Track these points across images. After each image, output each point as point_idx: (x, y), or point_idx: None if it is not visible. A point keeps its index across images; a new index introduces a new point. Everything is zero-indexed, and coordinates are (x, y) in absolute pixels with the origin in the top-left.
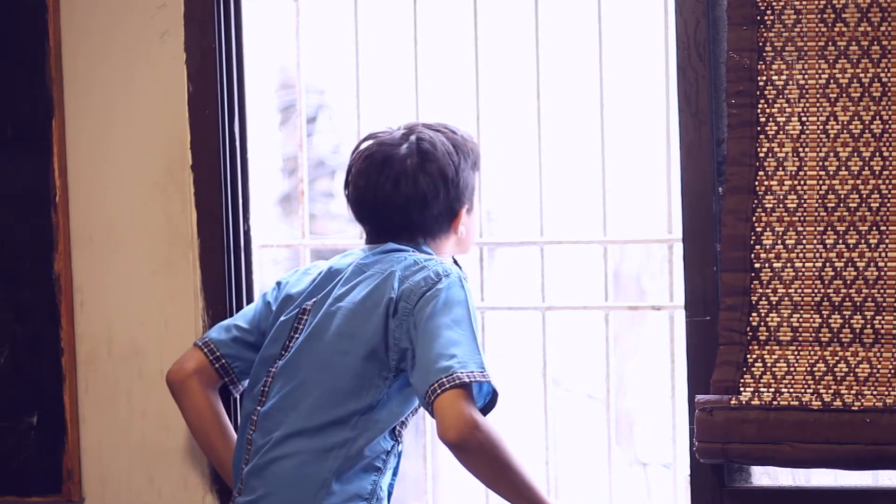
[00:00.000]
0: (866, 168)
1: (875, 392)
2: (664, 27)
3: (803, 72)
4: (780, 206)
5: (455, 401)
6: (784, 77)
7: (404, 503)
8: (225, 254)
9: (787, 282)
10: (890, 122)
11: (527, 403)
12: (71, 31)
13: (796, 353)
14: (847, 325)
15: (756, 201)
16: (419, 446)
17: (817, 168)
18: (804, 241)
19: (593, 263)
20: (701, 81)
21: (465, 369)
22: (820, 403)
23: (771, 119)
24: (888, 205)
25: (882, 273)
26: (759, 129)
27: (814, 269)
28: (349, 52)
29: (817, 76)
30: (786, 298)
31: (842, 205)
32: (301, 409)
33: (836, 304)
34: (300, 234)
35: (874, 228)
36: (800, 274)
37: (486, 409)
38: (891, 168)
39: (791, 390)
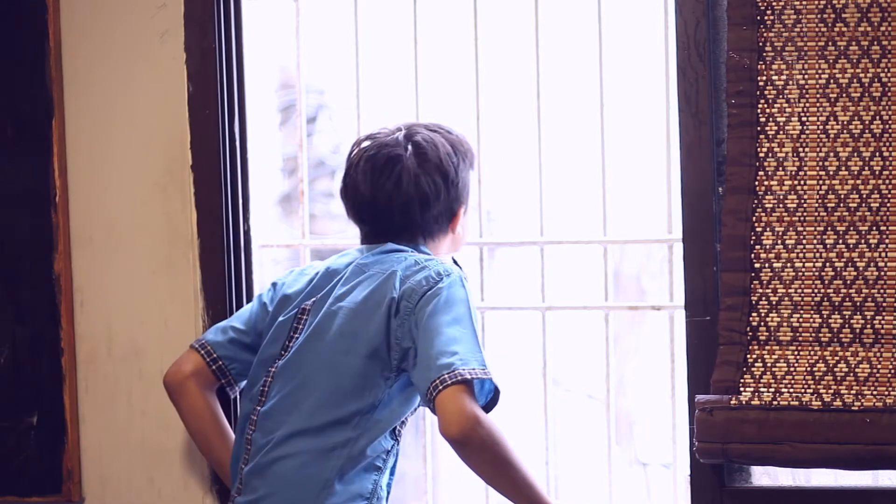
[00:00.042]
0: (866, 168)
1: (875, 392)
2: (664, 27)
3: (803, 72)
4: (780, 206)
5: (457, 397)
6: (784, 77)
7: (404, 503)
8: (225, 254)
9: (787, 282)
10: (890, 122)
11: (527, 403)
12: (71, 31)
13: (796, 353)
14: (847, 325)
15: (756, 201)
16: (419, 446)
17: (817, 168)
18: (804, 241)
19: (593, 263)
20: (701, 81)
21: (466, 366)
22: (820, 403)
23: (771, 119)
24: (888, 205)
25: (882, 273)
26: (759, 129)
27: (814, 269)
28: (349, 52)
29: (817, 76)
30: (786, 298)
31: (842, 205)
32: (303, 408)
33: (836, 304)
34: (300, 234)
35: (874, 228)
36: (800, 274)
37: (488, 407)
38: (891, 168)
39: (791, 390)
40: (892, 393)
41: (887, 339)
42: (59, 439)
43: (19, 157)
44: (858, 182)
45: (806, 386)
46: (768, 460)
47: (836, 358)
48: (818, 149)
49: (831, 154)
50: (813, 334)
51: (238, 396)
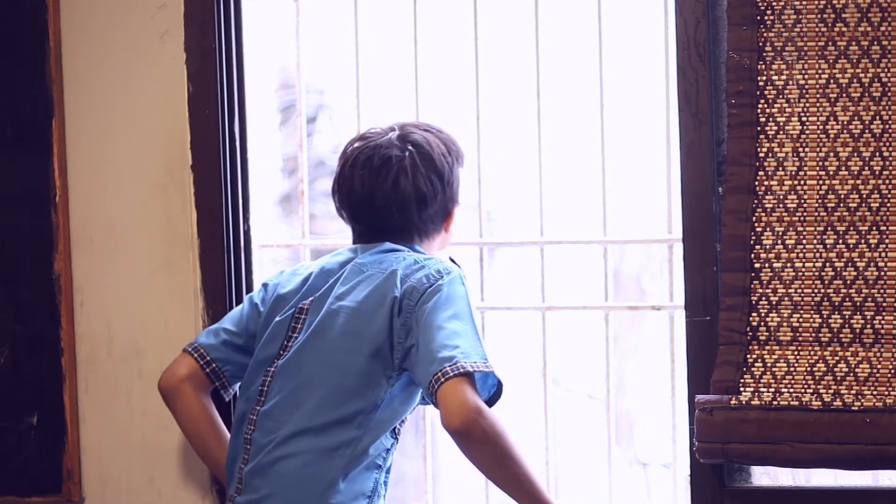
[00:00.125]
0: (866, 168)
1: (875, 392)
2: (664, 27)
3: (803, 72)
4: (780, 206)
5: (459, 388)
6: (784, 77)
7: (404, 503)
8: (225, 254)
9: (787, 282)
10: (890, 122)
11: (527, 403)
12: (71, 31)
13: (796, 353)
14: (847, 325)
15: (756, 201)
16: (419, 446)
17: (817, 168)
18: (804, 241)
19: (593, 263)
20: (701, 81)
21: (468, 359)
22: (820, 403)
23: (771, 119)
24: (888, 205)
25: (882, 273)
26: (759, 129)
27: (814, 269)
28: (349, 52)
29: (817, 76)
30: (786, 298)
31: (842, 205)
32: (305, 407)
33: (836, 304)
34: (300, 234)
35: (874, 228)
36: (800, 274)
37: (490, 403)
38: (891, 168)
39: (791, 390)
40: (892, 393)
41: (887, 339)
42: (59, 439)
43: (19, 157)
44: (858, 182)
45: (806, 386)
46: (768, 460)
47: (836, 358)
48: (818, 149)
49: (831, 154)
50: (813, 334)
51: (233, 399)
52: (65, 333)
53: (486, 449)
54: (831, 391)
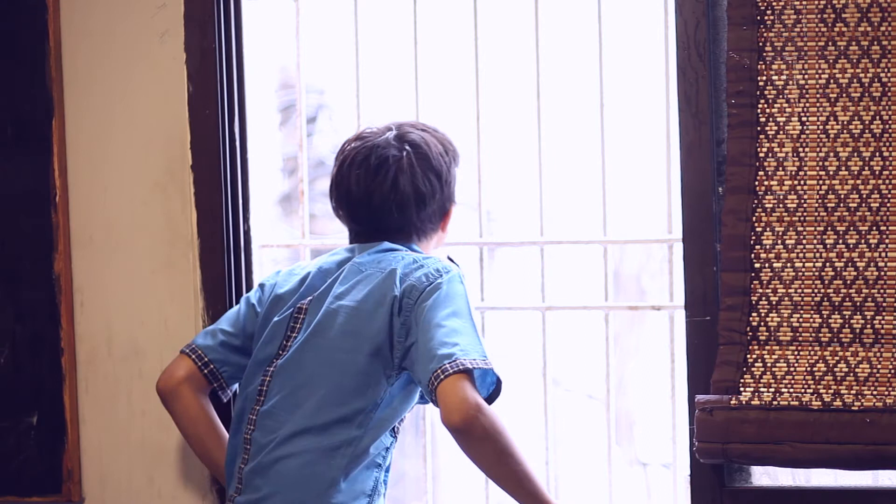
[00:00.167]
0: (866, 168)
1: (875, 392)
2: (664, 27)
3: (803, 72)
4: (780, 206)
5: (458, 385)
6: (784, 77)
7: (404, 503)
8: (225, 254)
9: (787, 282)
10: (890, 122)
11: (527, 403)
12: (71, 31)
13: (796, 353)
14: (847, 325)
15: (756, 201)
16: (419, 446)
17: (817, 168)
18: (804, 241)
19: (593, 263)
20: (701, 81)
21: (467, 356)
22: (820, 403)
23: (771, 119)
24: (888, 205)
25: (882, 273)
26: (759, 129)
27: (814, 269)
28: (349, 52)
29: (817, 76)
30: (786, 298)
31: (842, 205)
32: (306, 407)
33: (836, 304)
34: (300, 234)
35: (874, 228)
36: (800, 274)
37: (489, 400)
38: (891, 168)
39: (791, 390)
40: (892, 393)
41: (887, 339)
42: (59, 439)
43: (19, 157)
44: (858, 182)
45: (806, 386)
46: (768, 460)
47: (836, 358)
48: (818, 149)
49: (831, 154)
50: (813, 334)
51: (233, 399)
52: (65, 333)
53: (485, 446)
54: (831, 391)
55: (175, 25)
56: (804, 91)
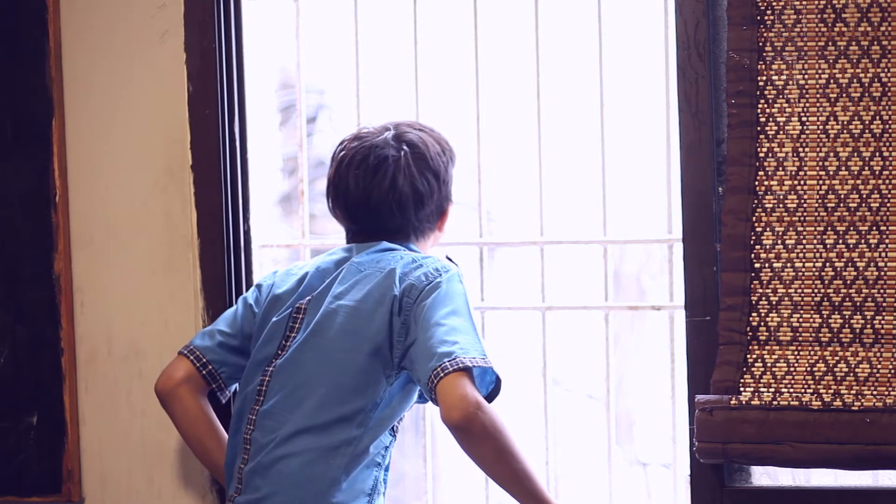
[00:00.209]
0: (866, 168)
1: (875, 392)
2: (664, 27)
3: (803, 72)
4: (780, 206)
5: (458, 383)
6: (784, 77)
7: (404, 503)
8: (225, 254)
9: (787, 282)
10: (890, 122)
11: (527, 403)
12: (71, 31)
13: (796, 353)
14: (847, 325)
15: (756, 201)
16: (419, 446)
17: (817, 168)
18: (804, 241)
19: (593, 263)
20: (701, 81)
21: (467, 354)
22: (820, 403)
23: (771, 119)
24: (888, 205)
25: (882, 273)
26: (759, 129)
27: (814, 269)
28: (349, 52)
29: (817, 76)
30: (786, 298)
31: (842, 205)
32: (306, 406)
33: (836, 304)
34: (300, 234)
35: (874, 228)
36: (800, 274)
37: (489, 399)
38: (891, 168)
39: (791, 390)
40: (892, 393)
41: (887, 339)
42: (59, 439)
43: (19, 157)
44: (858, 182)
45: (806, 386)
46: (768, 460)
47: (836, 358)
48: (818, 149)
49: (831, 154)
50: (813, 334)
51: (232, 399)
52: (65, 333)
53: (485, 443)
54: (831, 391)
55: (175, 25)
56: (804, 91)
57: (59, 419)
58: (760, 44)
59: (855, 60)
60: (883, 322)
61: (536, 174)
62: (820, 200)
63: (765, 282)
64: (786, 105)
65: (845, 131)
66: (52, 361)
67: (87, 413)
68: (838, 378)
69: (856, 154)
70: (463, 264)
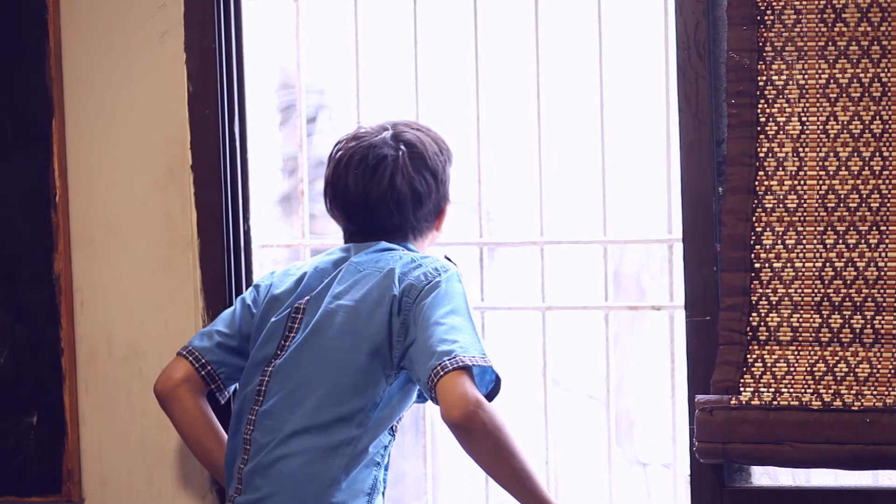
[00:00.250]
0: (866, 168)
1: (875, 392)
2: (664, 27)
3: (803, 72)
4: (780, 206)
5: (458, 381)
6: (784, 77)
7: (404, 503)
8: (225, 254)
9: (787, 282)
10: (890, 122)
11: (527, 403)
12: (71, 31)
13: (796, 353)
14: (847, 325)
15: (756, 201)
16: (419, 446)
17: (817, 168)
18: (804, 241)
19: (593, 263)
20: (701, 81)
21: (466, 353)
22: (820, 403)
23: (771, 119)
24: (888, 205)
25: (882, 273)
26: (759, 129)
27: (814, 269)
28: (349, 52)
29: (817, 76)
30: (786, 298)
31: (842, 205)
32: (306, 406)
33: (836, 304)
34: (300, 234)
35: (874, 228)
36: (800, 274)
37: (489, 398)
38: (891, 168)
39: (791, 390)
40: (892, 393)
41: (887, 339)
42: (59, 439)
43: (19, 157)
44: (858, 182)
45: (806, 386)
46: (768, 460)
47: (836, 358)
48: (818, 149)
49: (831, 154)
50: (813, 334)
51: (232, 399)
52: (65, 333)
53: (485, 442)
54: (831, 391)
55: (175, 25)
56: (804, 91)
57: (59, 419)
58: (760, 44)
59: (855, 60)
60: (883, 322)
61: (536, 174)
62: (820, 200)
63: (765, 282)
64: (786, 105)
65: (845, 131)
66: (52, 361)
67: (87, 413)
68: (838, 378)
69: (856, 154)
70: (463, 264)
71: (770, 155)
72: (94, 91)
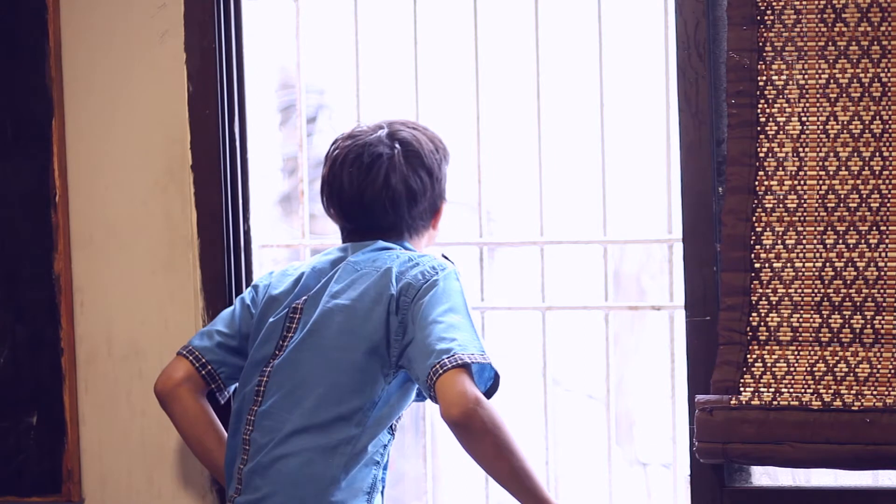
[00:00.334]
0: (866, 168)
1: (875, 392)
2: (664, 27)
3: (803, 72)
4: (780, 206)
5: (457, 379)
6: (784, 77)
7: (404, 503)
8: (225, 254)
9: (787, 282)
10: (890, 122)
11: (527, 403)
12: (71, 31)
13: (796, 353)
14: (847, 325)
15: (756, 201)
16: (419, 446)
17: (817, 168)
18: (804, 241)
19: (593, 263)
20: (701, 81)
21: (465, 351)
22: (820, 403)
23: (771, 119)
24: (888, 205)
25: (882, 273)
26: (759, 129)
27: (814, 269)
28: (349, 52)
29: (817, 76)
30: (786, 298)
31: (842, 205)
32: (305, 406)
33: (836, 304)
34: (300, 234)
35: (874, 228)
36: (800, 274)
37: (487, 395)
38: (891, 168)
39: (791, 390)
40: (892, 393)
41: (887, 339)
42: (59, 439)
43: (19, 157)
44: (858, 182)
45: (806, 386)
46: (768, 460)
47: (836, 358)
48: (818, 149)
49: (831, 154)
50: (813, 334)
51: (232, 399)
52: (65, 333)
53: (484, 440)
54: (831, 391)
55: (175, 25)
56: (804, 91)
57: (58, 419)
58: (760, 44)
59: (855, 60)
60: (883, 322)
61: (536, 174)
62: (820, 200)
63: (765, 282)
64: (786, 105)
65: (845, 131)
66: (52, 361)
67: (87, 413)
68: (838, 378)
69: (856, 154)
70: (463, 264)
71: (770, 155)
72: (94, 91)
